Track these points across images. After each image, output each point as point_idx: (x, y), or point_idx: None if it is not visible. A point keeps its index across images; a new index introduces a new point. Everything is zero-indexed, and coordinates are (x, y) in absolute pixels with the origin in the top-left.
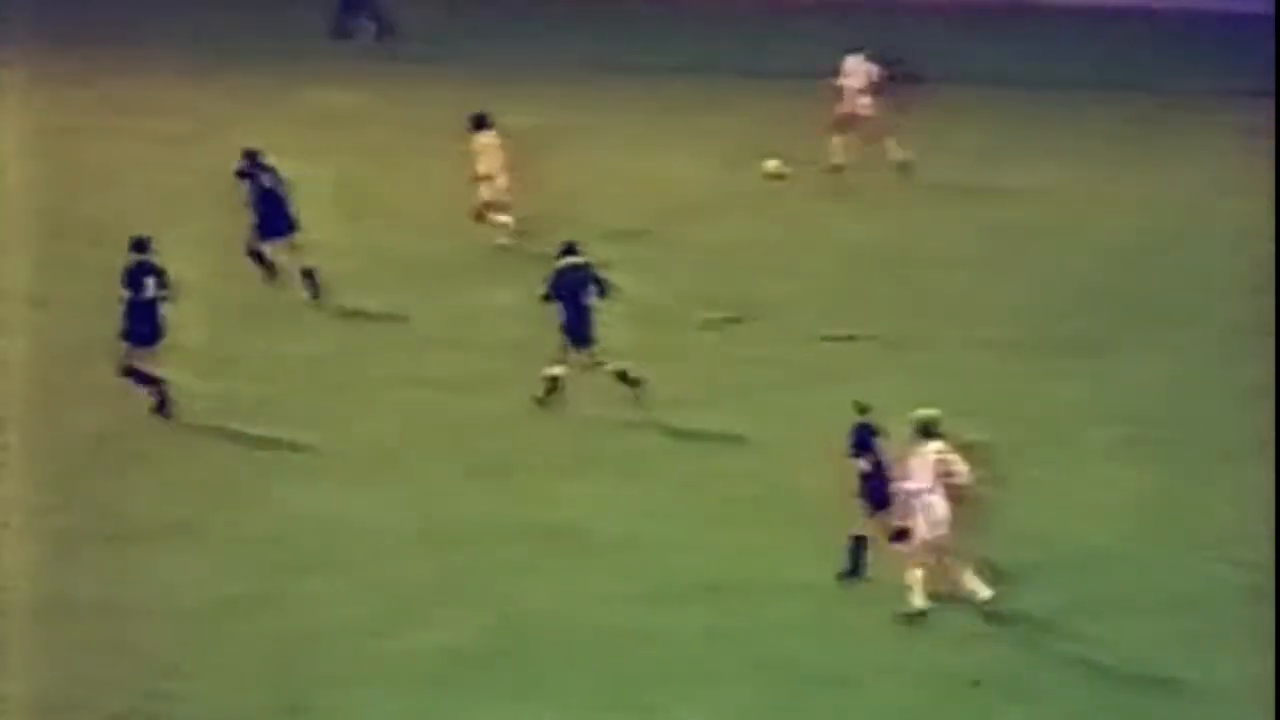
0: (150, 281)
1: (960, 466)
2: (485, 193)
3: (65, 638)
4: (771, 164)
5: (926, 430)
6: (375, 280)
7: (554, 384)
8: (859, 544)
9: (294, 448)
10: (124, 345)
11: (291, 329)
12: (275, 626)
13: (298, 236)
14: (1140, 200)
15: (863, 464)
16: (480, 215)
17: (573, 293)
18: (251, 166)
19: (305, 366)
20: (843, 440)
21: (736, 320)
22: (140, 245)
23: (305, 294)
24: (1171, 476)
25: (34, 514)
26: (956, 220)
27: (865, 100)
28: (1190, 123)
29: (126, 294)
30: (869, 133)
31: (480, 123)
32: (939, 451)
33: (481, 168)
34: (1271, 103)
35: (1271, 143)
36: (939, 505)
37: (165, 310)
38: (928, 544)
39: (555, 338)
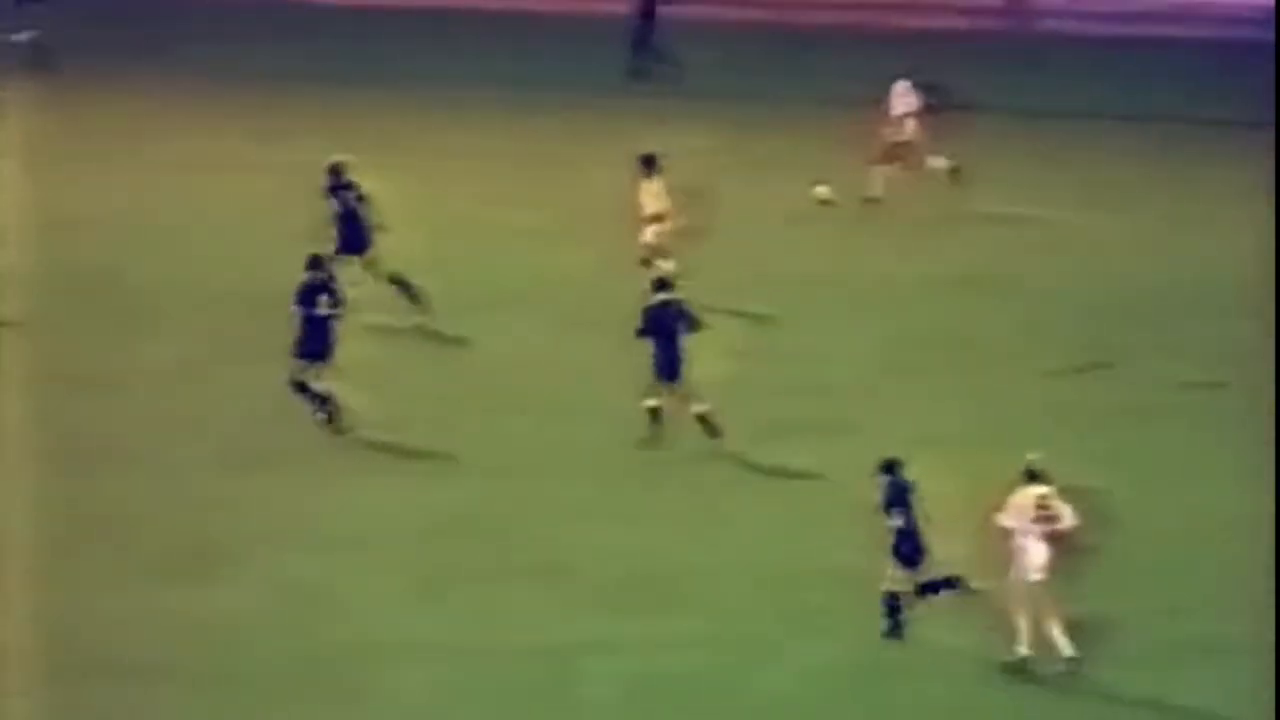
0: (323, 299)
1: (1063, 511)
2: (650, 236)
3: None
4: (821, 189)
5: (1031, 474)
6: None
7: (655, 414)
8: (894, 600)
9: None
10: (296, 361)
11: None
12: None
13: (370, 253)
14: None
15: (896, 520)
16: (646, 260)
17: (666, 329)
18: (335, 184)
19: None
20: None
21: None
22: (315, 263)
23: (404, 302)
24: None
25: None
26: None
27: (911, 126)
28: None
29: (299, 310)
30: (912, 160)
31: (649, 164)
32: (1040, 495)
33: (649, 209)
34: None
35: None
36: (1035, 550)
37: (337, 327)
38: (1021, 588)
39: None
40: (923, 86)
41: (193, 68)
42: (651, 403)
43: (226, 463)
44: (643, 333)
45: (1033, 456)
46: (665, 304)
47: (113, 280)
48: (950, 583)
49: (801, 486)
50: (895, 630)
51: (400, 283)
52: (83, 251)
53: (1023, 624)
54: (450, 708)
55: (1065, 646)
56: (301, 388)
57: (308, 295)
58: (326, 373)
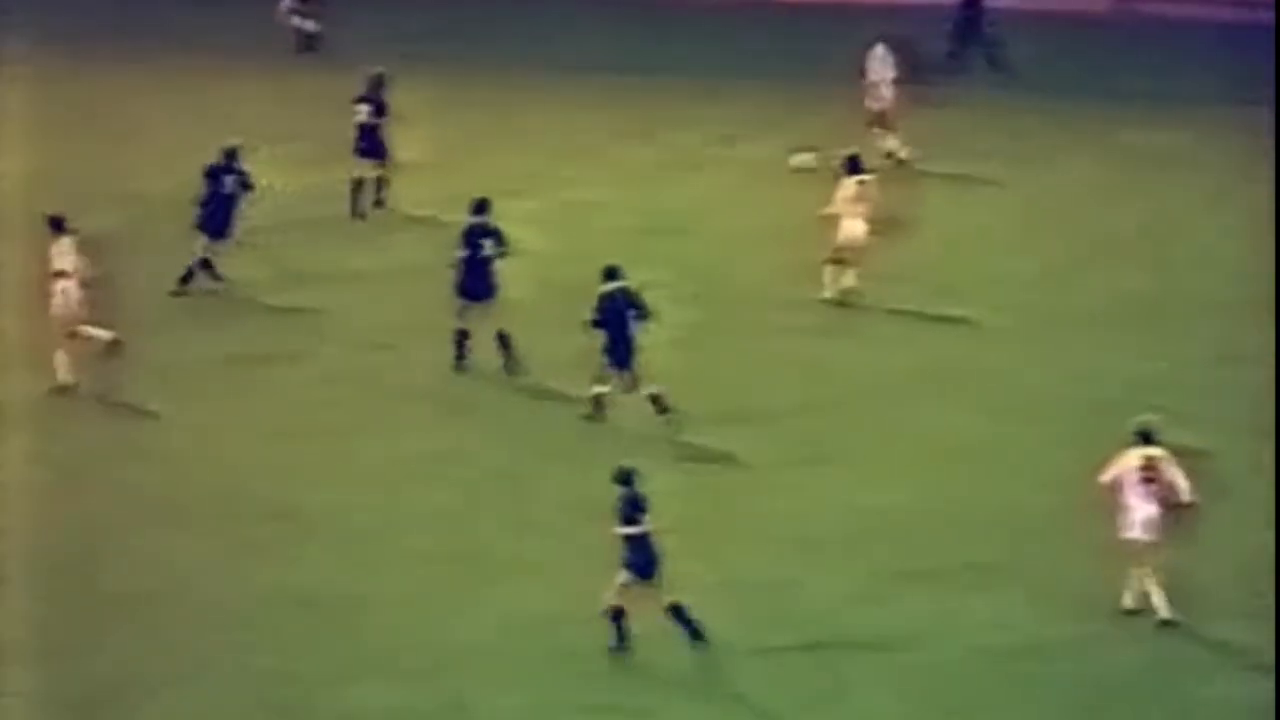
0: (487, 242)
1: (1171, 473)
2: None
3: None
4: (801, 158)
5: (1144, 435)
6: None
7: (599, 402)
8: (618, 614)
9: None
10: (458, 300)
11: None
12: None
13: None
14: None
15: (631, 530)
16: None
17: (617, 317)
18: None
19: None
20: None
21: None
22: (480, 207)
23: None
24: None
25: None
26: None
27: (887, 93)
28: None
29: (463, 253)
30: (887, 125)
31: (854, 166)
32: (1147, 457)
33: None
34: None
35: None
36: (1140, 510)
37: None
38: (1130, 546)
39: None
40: (900, 52)
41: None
42: (599, 389)
43: None
44: (596, 323)
45: (1145, 418)
46: (615, 292)
47: None
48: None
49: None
50: (621, 645)
51: None
52: None
53: (1133, 578)
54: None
55: (1163, 609)
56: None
57: (471, 238)
58: (492, 313)
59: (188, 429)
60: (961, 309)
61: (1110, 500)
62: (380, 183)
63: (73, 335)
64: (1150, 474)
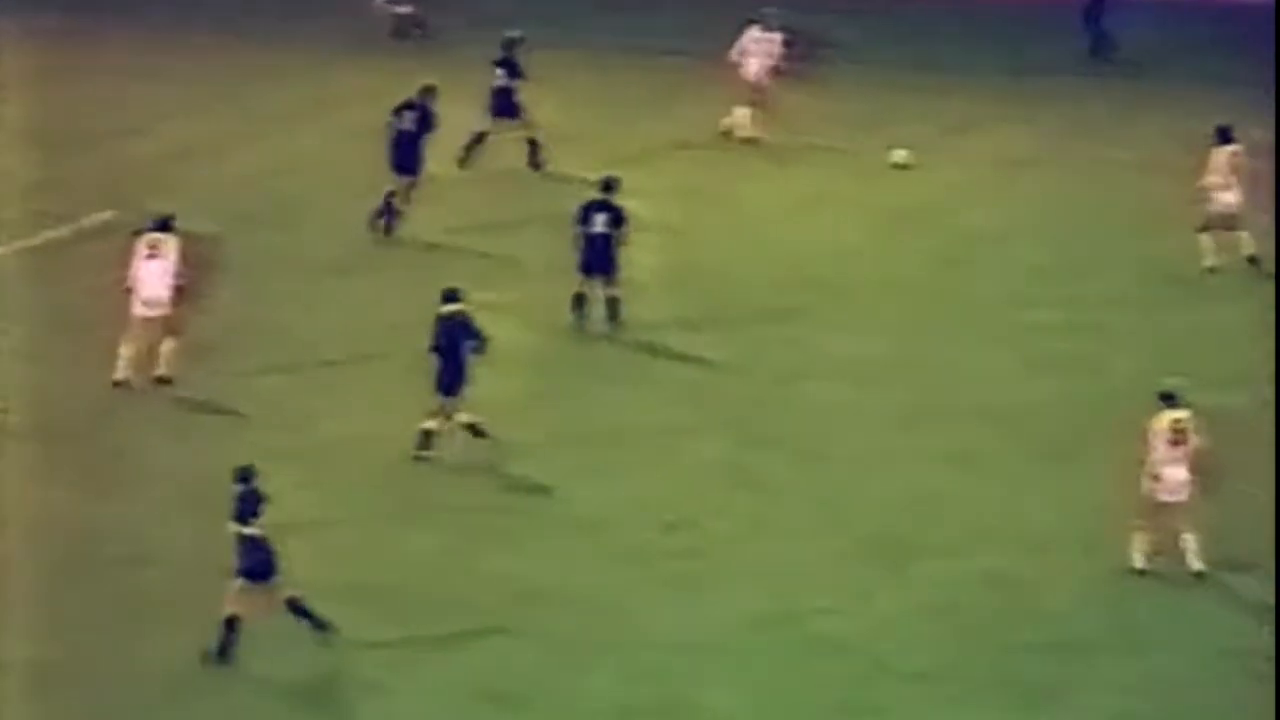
0: (599, 217)
1: (1194, 435)
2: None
3: None
4: (900, 154)
5: (1167, 398)
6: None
7: (427, 439)
8: (232, 622)
9: None
10: (579, 275)
11: None
12: None
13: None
14: None
15: (248, 530)
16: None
17: (451, 343)
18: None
19: None
20: None
21: None
22: (608, 185)
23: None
24: None
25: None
26: None
27: (760, 69)
28: None
29: (579, 229)
30: (763, 101)
31: (1224, 136)
32: (1175, 420)
33: (1210, 179)
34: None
35: None
36: (1170, 473)
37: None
38: (1156, 508)
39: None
40: (779, 30)
41: None
42: (430, 425)
43: None
44: (434, 349)
45: (1171, 381)
46: (452, 316)
47: None
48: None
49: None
50: (222, 654)
51: None
52: None
53: (1143, 540)
54: None
55: (1195, 562)
56: (579, 299)
57: (587, 215)
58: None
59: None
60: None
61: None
62: (532, 146)
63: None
64: (1179, 437)
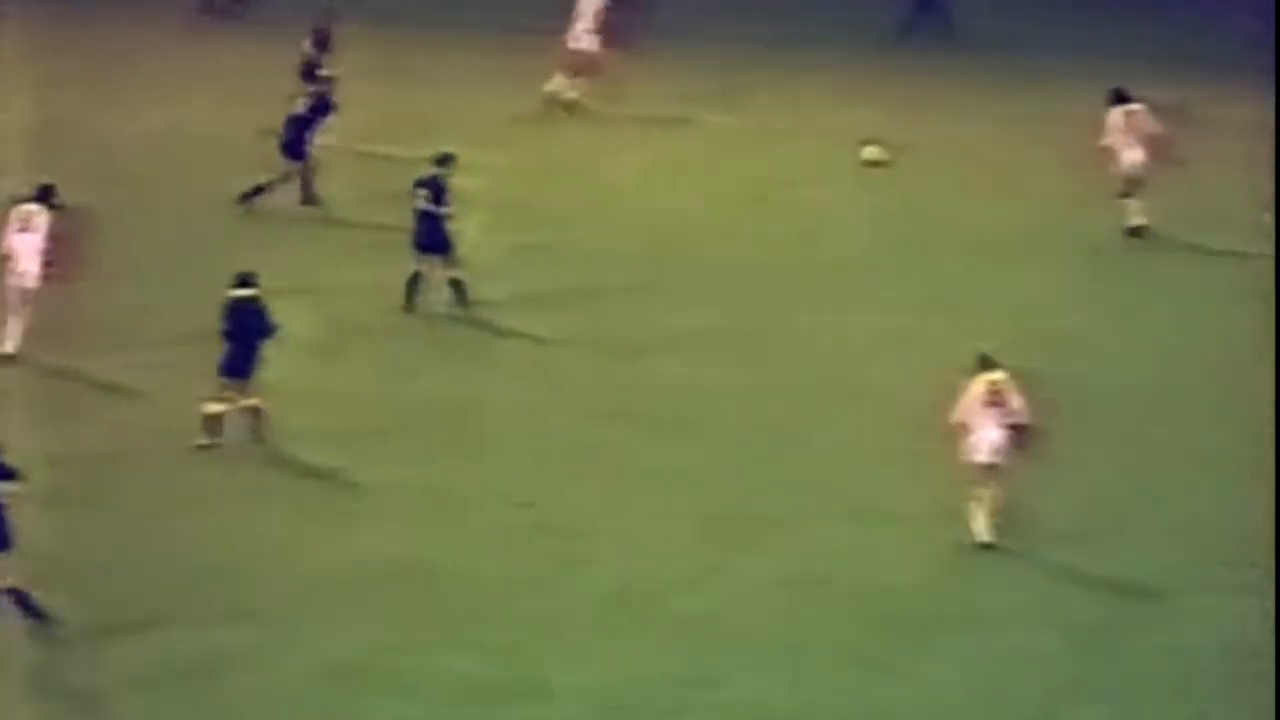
0: (423, 193)
1: (1013, 398)
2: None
3: None
4: (871, 150)
5: (984, 361)
6: None
7: (212, 423)
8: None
9: None
10: (414, 254)
11: None
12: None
13: None
14: None
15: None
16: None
17: (243, 327)
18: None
19: None
20: None
21: None
22: (439, 161)
23: None
24: None
25: None
26: None
27: (587, 39)
28: None
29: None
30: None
31: (1119, 96)
32: (991, 381)
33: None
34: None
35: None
36: (985, 434)
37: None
38: (979, 468)
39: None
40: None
41: None
42: (213, 409)
43: None
44: (225, 333)
45: (986, 347)
46: (242, 300)
47: None
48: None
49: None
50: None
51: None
52: None
53: (978, 512)
54: None
55: (982, 532)
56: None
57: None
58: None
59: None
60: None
61: (961, 430)
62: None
63: None
64: (995, 398)
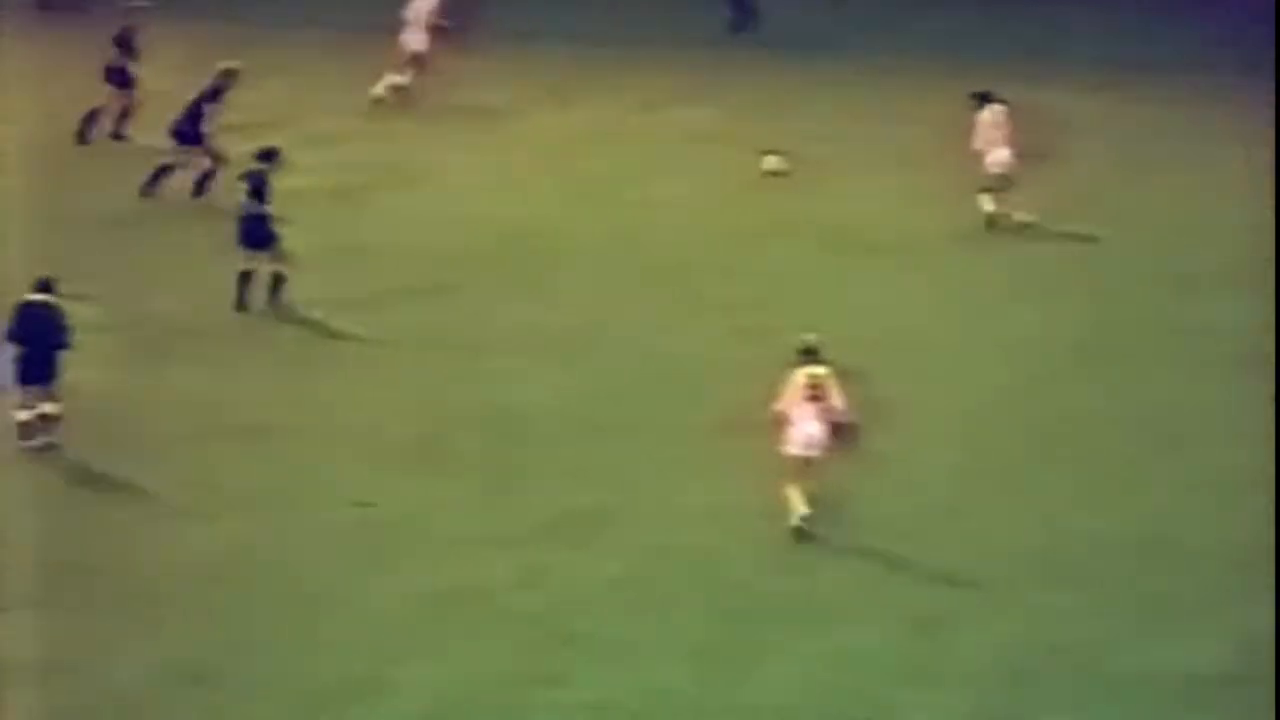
0: (244, 189)
1: (831, 391)
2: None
3: None
4: (772, 160)
5: (806, 352)
6: None
7: (23, 430)
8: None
9: None
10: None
11: None
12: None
13: None
14: None
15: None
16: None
17: (36, 333)
18: None
19: None
20: None
21: None
22: (263, 156)
23: None
24: None
25: None
26: None
27: (417, 40)
28: None
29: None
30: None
31: (984, 98)
32: (811, 374)
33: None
34: None
35: None
36: (803, 426)
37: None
38: (796, 461)
39: None
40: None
41: None
42: (22, 416)
43: None
44: (11, 334)
45: (809, 337)
46: (34, 304)
47: None
48: None
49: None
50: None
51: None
52: None
53: (794, 495)
54: None
55: (797, 511)
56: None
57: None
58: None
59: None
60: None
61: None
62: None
63: None
64: (815, 392)
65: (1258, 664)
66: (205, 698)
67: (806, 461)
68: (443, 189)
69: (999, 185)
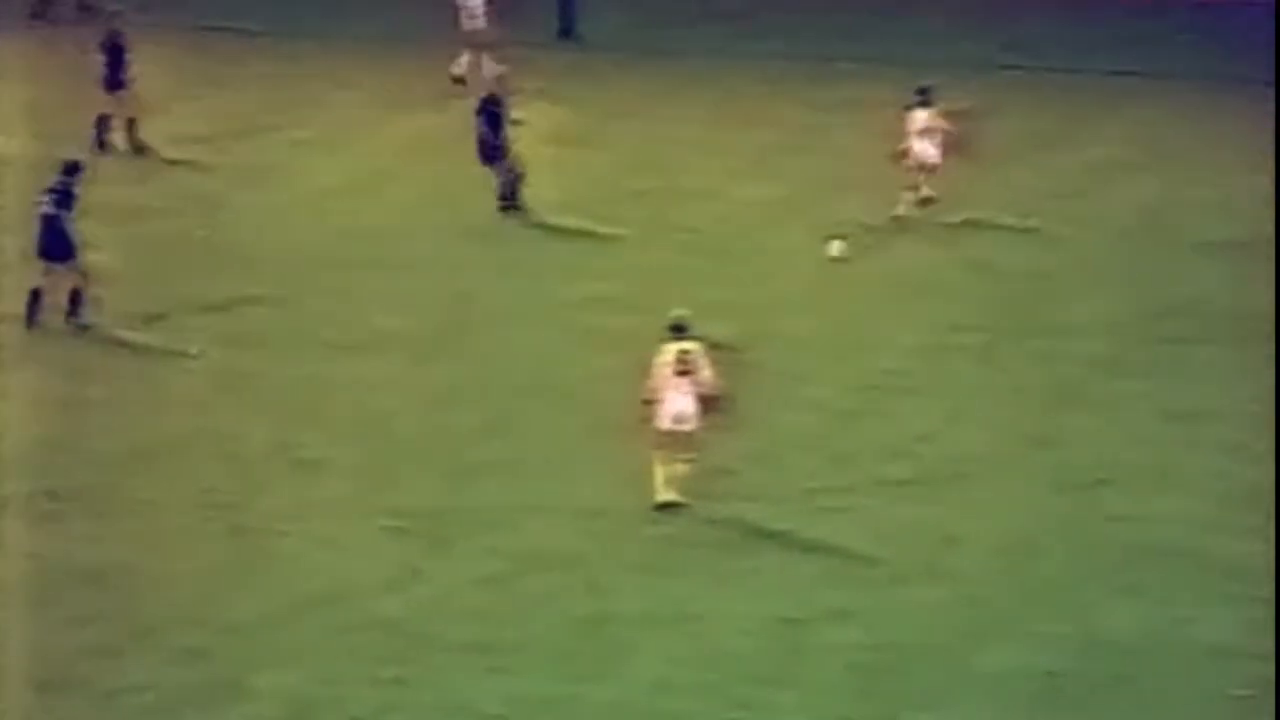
0: (48, 196)
1: (702, 366)
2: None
3: None
4: (836, 245)
5: (676, 328)
6: None
7: None
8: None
9: None
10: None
11: None
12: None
13: None
14: None
15: None
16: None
17: None
18: None
19: None
20: None
21: None
22: (70, 169)
23: None
24: None
25: None
26: None
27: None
28: None
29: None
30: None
31: (922, 95)
32: (681, 350)
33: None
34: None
35: None
36: (674, 401)
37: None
38: (664, 436)
39: None
40: None
41: None
42: None
43: None
44: None
45: (679, 312)
46: None
47: None
48: None
49: None
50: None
51: None
52: None
53: (659, 472)
54: None
55: (663, 493)
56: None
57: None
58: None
59: None
60: None
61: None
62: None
63: None
64: (685, 367)
65: (1124, 663)
66: (61, 705)
67: (673, 435)
68: (302, 194)
69: (922, 179)
